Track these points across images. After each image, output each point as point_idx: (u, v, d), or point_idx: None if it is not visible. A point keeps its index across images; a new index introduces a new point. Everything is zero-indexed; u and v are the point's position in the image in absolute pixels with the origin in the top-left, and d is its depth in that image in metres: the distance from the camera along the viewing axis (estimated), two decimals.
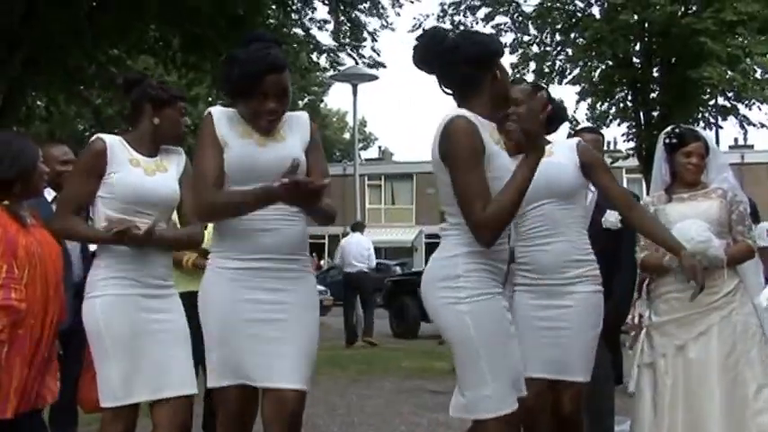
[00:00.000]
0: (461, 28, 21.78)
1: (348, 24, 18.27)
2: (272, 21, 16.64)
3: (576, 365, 3.95)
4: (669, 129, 4.94)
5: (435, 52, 3.34)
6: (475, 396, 3.25)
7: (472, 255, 3.24)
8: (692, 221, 4.60)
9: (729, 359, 4.50)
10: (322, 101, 44.64)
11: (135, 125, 3.77)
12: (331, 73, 19.53)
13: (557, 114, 4.02)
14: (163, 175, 3.72)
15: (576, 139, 4.26)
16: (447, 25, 21.70)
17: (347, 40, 18.49)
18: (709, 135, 5.15)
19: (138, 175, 3.65)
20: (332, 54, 18.80)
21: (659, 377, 4.63)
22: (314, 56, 18.97)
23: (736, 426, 4.41)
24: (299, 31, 18.21)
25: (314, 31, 18.57)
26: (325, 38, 20.86)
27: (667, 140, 4.83)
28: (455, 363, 3.34)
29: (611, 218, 4.87)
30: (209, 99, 24.97)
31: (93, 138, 3.73)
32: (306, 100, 34.89)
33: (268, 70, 3.30)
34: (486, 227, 3.15)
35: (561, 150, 4.09)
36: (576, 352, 3.94)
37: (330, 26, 18.49)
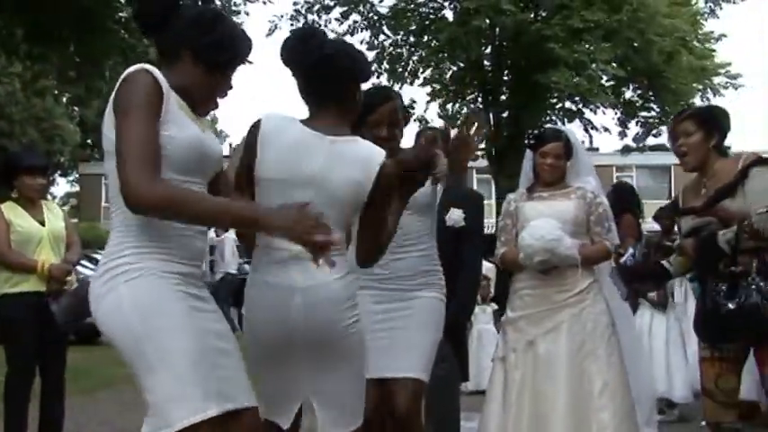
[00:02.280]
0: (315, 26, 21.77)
1: None
2: (122, 15, 16.20)
3: (412, 364, 3.82)
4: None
5: (304, 55, 3.05)
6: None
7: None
8: (545, 220, 4.67)
9: (577, 356, 4.60)
10: None
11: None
12: None
13: None
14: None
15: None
16: (301, 25, 21.59)
17: None
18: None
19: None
20: None
21: (509, 371, 4.71)
22: None
23: (580, 420, 4.51)
24: None
25: None
26: None
27: (527, 140, 4.94)
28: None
29: (455, 215, 4.90)
30: (56, 92, 24.15)
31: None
32: None
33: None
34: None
35: None
36: (413, 351, 3.83)
37: None
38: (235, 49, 2.92)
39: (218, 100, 2.98)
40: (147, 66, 2.72)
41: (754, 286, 4.03)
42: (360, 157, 3.02)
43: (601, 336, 4.67)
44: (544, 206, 4.79)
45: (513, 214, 4.89)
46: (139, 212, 2.60)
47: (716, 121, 4.36)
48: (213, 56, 2.84)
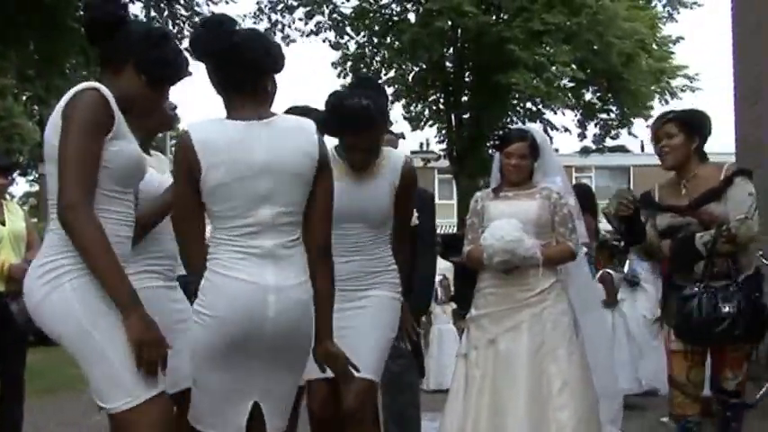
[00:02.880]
0: (278, 27, 21.79)
1: (162, 20, 17.87)
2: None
3: (364, 364, 3.60)
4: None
5: (213, 43, 3.01)
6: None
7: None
8: (506, 221, 4.67)
9: (537, 355, 4.63)
10: None
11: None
12: None
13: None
14: None
15: (402, 158, 4.04)
16: (265, 24, 21.60)
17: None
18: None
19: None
20: None
21: (470, 368, 4.74)
22: None
23: (539, 419, 4.54)
24: None
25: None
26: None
27: (493, 141, 5.02)
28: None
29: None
30: (15, 92, 23.90)
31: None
32: None
33: None
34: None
35: (387, 170, 3.92)
36: (364, 350, 3.72)
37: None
38: (178, 66, 3.12)
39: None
40: (97, 85, 2.88)
41: (742, 292, 4.21)
42: (295, 127, 3.06)
43: (561, 335, 4.70)
44: (508, 206, 4.80)
45: (479, 213, 4.90)
46: (61, 224, 2.77)
47: (698, 125, 4.47)
48: (158, 71, 3.05)
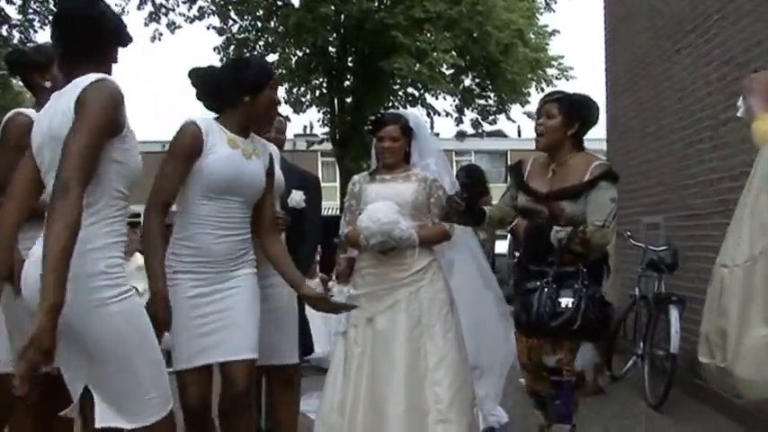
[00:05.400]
0: (163, 11, 21.48)
1: None
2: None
3: (245, 345, 3.79)
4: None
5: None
6: (138, 403, 2.97)
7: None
8: (383, 203, 4.76)
9: (414, 332, 4.73)
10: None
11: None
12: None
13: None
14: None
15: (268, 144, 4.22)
16: (149, 8, 21.26)
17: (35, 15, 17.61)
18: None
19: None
20: (23, 28, 17.87)
21: (349, 346, 4.85)
22: (3, 30, 17.96)
23: (417, 394, 4.65)
24: None
25: (2, 3, 17.60)
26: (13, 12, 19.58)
27: (366, 126, 5.16)
28: (103, 370, 2.93)
29: (296, 197, 5.12)
30: None
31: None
32: None
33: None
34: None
35: (263, 150, 4.04)
36: (245, 331, 3.79)
37: None
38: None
39: None
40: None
41: (584, 289, 4.30)
42: (69, 90, 2.98)
43: (438, 313, 4.80)
44: (384, 188, 4.89)
45: (357, 195, 4.99)
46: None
47: (579, 111, 4.47)
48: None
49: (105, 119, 2.83)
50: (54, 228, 2.64)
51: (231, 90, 3.85)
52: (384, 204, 4.77)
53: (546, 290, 4.32)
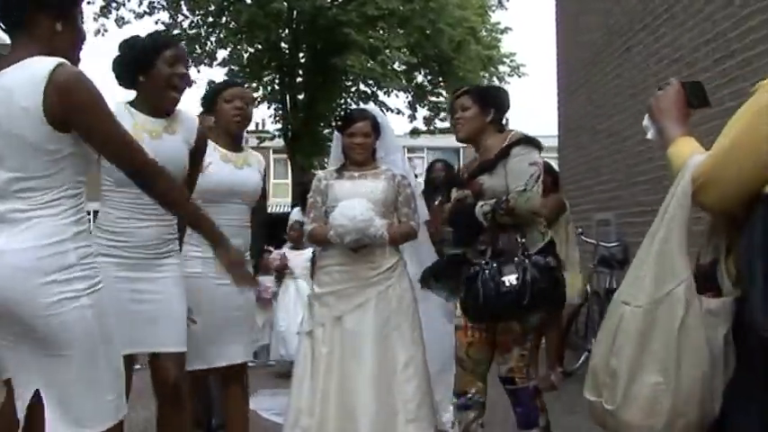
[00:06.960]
0: (114, 5, 21.23)
1: None
2: None
3: (177, 338, 3.76)
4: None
5: None
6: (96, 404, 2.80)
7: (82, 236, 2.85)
8: (357, 201, 4.72)
9: (383, 331, 4.70)
10: None
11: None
12: None
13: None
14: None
15: (194, 119, 4.10)
16: (99, 3, 20.98)
17: None
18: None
19: None
20: None
21: (316, 345, 4.77)
22: None
23: (386, 392, 4.63)
24: None
25: None
26: None
27: (334, 123, 5.11)
28: (64, 363, 2.74)
29: None
30: None
31: None
32: None
33: None
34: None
35: (181, 128, 3.93)
36: (177, 323, 3.77)
37: None
38: None
39: None
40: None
41: (526, 260, 4.11)
42: (24, 76, 2.75)
43: (405, 312, 4.79)
44: (353, 185, 4.85)
45: (323, 192, 4.92)
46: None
47: (491, 98, 4.47)
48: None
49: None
50: (175, 200, 3.15)
51: (126, 72, 3.78)
52: (358, 202, 4.74)
53: (487, 271, 4.12)
